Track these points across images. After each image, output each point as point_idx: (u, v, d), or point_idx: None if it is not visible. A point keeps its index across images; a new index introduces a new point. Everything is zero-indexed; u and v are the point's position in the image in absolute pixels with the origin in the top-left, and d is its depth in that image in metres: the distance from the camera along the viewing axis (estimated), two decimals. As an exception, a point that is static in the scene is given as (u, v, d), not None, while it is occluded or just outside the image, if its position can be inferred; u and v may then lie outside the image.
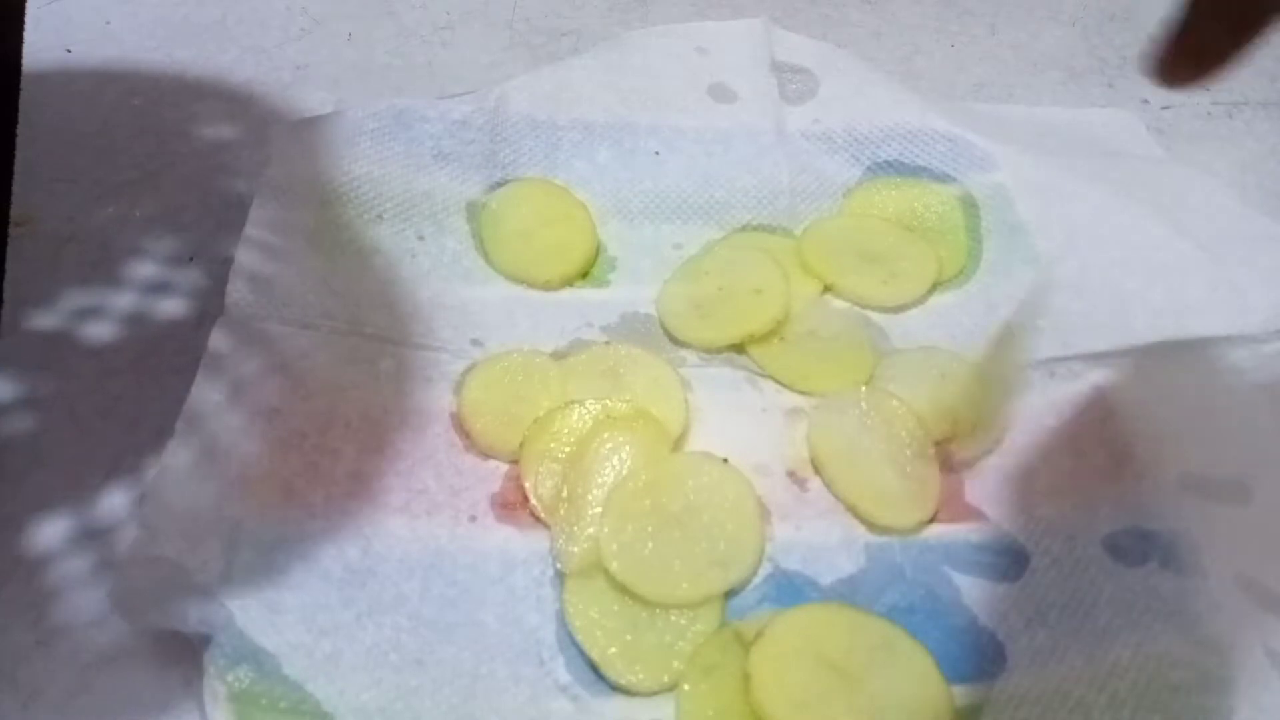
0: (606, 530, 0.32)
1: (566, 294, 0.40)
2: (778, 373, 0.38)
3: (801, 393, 0.37)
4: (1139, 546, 0.33)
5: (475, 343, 0.38)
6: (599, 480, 0.33)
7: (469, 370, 0.37)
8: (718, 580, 0.31)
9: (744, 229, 0.43)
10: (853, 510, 0.34)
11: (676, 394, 0.36)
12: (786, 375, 0.38)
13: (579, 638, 0.30)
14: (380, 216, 0.40)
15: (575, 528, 0.32)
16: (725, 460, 0.34)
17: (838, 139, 0.45)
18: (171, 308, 0.39)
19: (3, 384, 0.36)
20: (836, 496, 0.35)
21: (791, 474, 0.35)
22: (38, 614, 0.30)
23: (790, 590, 0.32)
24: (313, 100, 0.47)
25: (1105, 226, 0.41)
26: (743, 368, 0.38)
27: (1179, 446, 0.35)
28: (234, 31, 0.51)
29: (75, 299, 0.38)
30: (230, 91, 0.48)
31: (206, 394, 0.32)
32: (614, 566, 0.31)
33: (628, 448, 0.34)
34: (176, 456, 0.31)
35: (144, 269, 0.40)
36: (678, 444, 0.35)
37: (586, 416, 0.35)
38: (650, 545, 0.32)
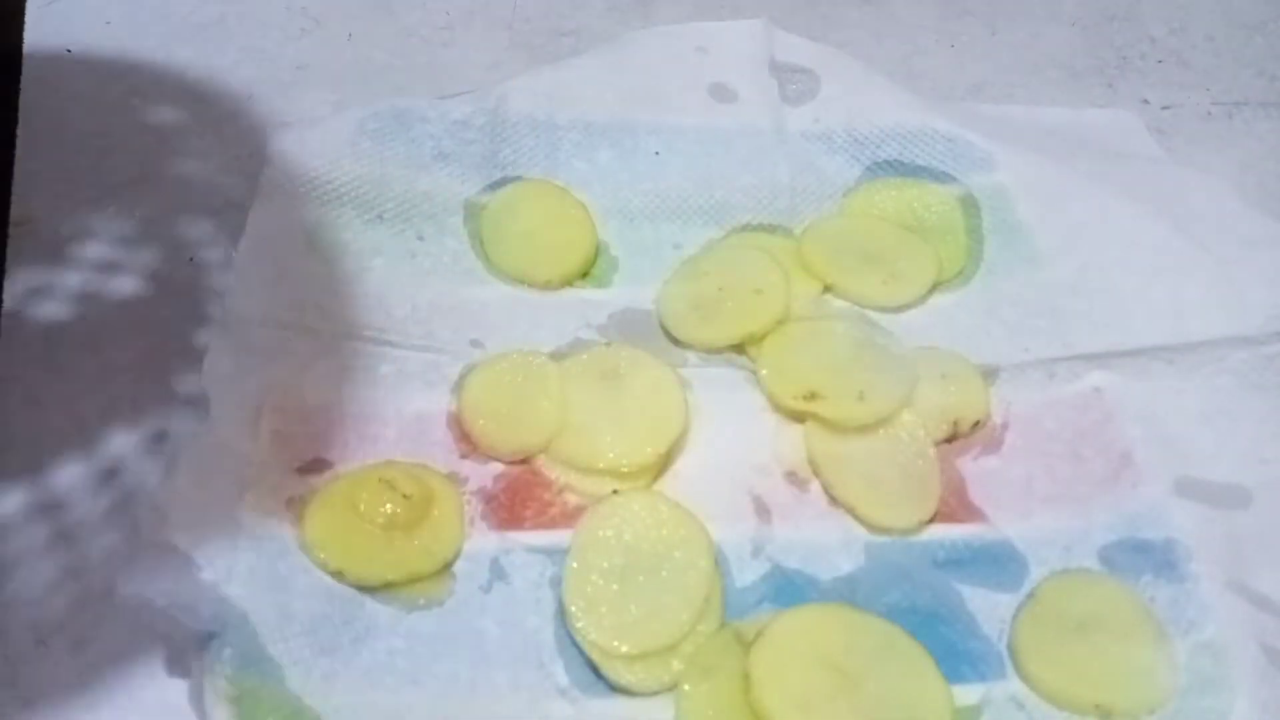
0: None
1: (566, 294, 0.40)
2: (775, 388, 0.37)
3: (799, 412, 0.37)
4: (1134, 559, 0.33)
5: (475, 344, 0.38)
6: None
7: (469, 371, 0.37)
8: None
9: (744, 229, 0.43)
10: (852, 511, 0.34)
11: (676, 394, 0.36)
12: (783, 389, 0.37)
13: (579, 639, 0.30)
14: (380, 217, 0.40)
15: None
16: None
17: (838, 139, 0.45)
18: (171, 308, 0.39)
19: (2, 384, 0.36)
20: (836, 497, 0.35)
21: (791, 474, 0.35)
22: (37, 614, 0.30)
23: (790, 590, 0.32)
24: (313, 100, 0.47)
25: (1105, 226, 0.41)
26: (743, 368, 0.38)
27: (1178, 449, 0.35)
28: (234, 31, 0.51)
29: (75, 299, 0.38)
30: (230, 91, 0.48)
31: (208, 394, 0.32)
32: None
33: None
34: (180, 457, 0.31)
35: (144, 269, 0.40)
36: (678, 444, 0.35)
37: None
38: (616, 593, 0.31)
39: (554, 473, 0.35)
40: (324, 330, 0.36)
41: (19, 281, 0.38)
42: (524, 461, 0.35)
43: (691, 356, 0.39)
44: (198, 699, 0.28)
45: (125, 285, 0.39)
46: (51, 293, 0.38)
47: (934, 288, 0.41)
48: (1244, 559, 0.33)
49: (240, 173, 0.43)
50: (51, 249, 0.40)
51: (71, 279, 0.39)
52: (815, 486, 0.35)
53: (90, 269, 0.39)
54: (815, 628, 0.31)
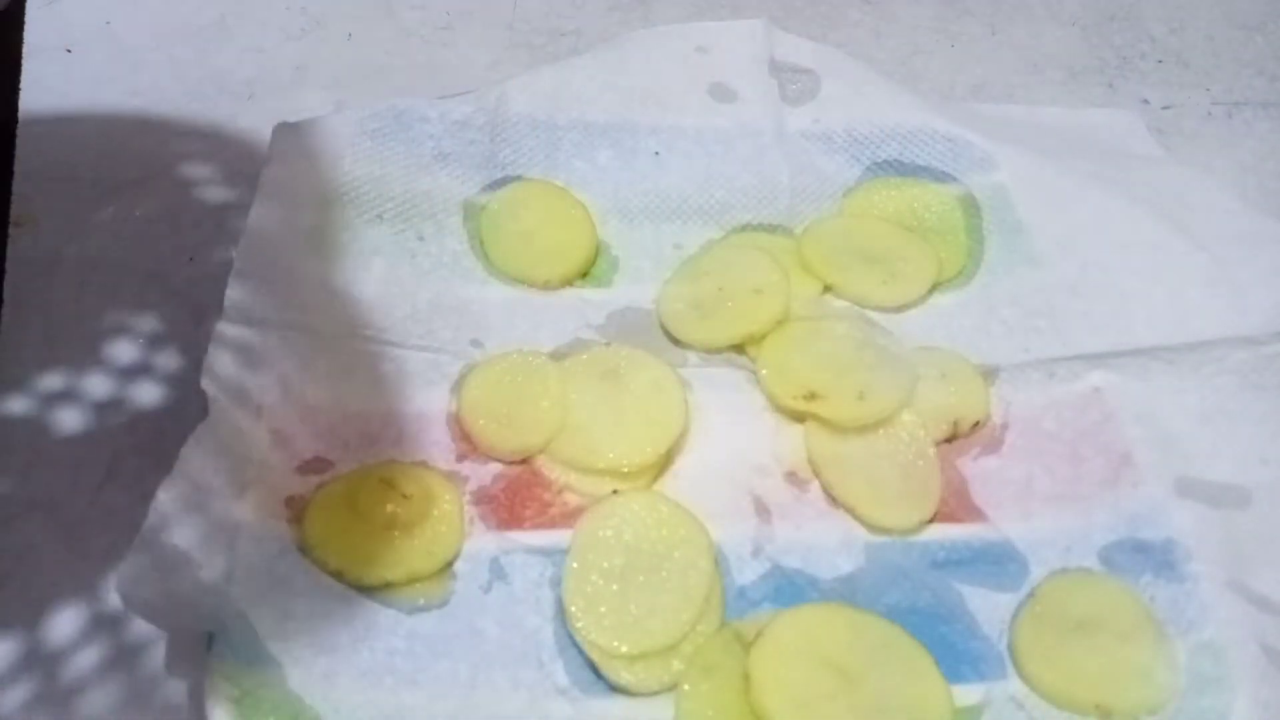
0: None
1: (566, 294, 0.40)
2: (775, 388, 0.37)
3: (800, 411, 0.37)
4: (1134, 559, 0.33)
5: (475, 343, 0.38)
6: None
7: (469, 371, 0.37)
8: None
9: (744, 229, 0.43)
10: (852, 511, 0.34)
11: (676, 394, 0.36)
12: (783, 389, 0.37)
13: (579, 639, 0.30)
14: (380, 217, 0.40)
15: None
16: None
17: (838, 139, 0.45)
18: (171, 308, 0.39)
19: (5, 381, 0.36)
20: (836, 497, 0.35)
21: (791, 474, 0.35)
22: (37, 615, 0.30)
23: (790, 590, 0.32)
24: (313, 100, 0.47)
25: (1105, 226, 0.41)
26: (743, 368, 0.38)
27: (1178, 449, 0.35)
28: (234, 31, 0.51)
29: (75, 299, 0.38)
30: (230, 92, 0.48)
31: (208, 394, 0.32)
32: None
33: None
34: (180, 457, 0.31)
35: (143, 270, 0.40)
36: (678, 444, 0.35)
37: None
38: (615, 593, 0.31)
39: (554, 473, 0.35)
40: (324, 330, 0.36)
41: (20, 281, 0.38)
42: (524, 461, 0.35)
43: (691, 356, 0.39)
44: (198, 699, 0.28)
45: (124, 285, 0.39)
46: (51, 294, 0.38)
47: (934, 288, 0.41)
48: (1244, 559, 0.33)
49: (240, 173, 0.43)
50: (51, 249, 0.40)
51: (71, 280, 0.39)
52: (815, 486, 0.35)
53: (89, 270, 0.39)
54: (815, 628, 0.31)
